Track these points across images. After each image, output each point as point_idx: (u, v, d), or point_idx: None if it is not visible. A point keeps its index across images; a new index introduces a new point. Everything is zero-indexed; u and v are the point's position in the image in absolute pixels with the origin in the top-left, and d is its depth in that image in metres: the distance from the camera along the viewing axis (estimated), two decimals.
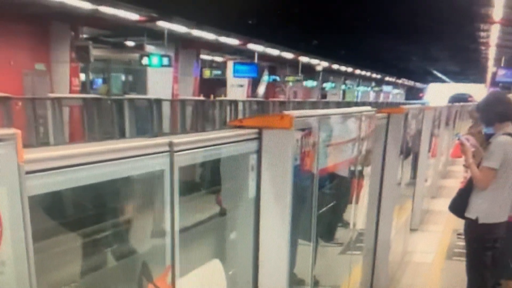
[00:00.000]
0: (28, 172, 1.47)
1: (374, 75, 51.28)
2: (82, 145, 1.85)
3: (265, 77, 34.12)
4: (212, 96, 23.73)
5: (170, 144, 2.11)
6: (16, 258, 1.42)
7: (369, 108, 4.51)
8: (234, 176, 2.78)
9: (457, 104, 15.50)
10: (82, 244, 3.17)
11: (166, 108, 18.83)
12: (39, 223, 1.69)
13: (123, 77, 27.71)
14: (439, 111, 9.72)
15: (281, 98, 34.47)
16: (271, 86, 35.17)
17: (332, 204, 4.13)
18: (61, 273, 3.36)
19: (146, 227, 2.23)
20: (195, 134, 2.62)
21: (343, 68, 41.28)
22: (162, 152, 2.09)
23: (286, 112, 2.81)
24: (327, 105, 34.42)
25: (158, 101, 18.33)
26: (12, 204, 1.40)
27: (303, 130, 3.03)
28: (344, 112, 4.18)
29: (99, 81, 25.55)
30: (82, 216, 2.79)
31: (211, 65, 29.82)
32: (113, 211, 2.57)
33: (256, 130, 2.79)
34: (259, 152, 2.82)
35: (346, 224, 4.50)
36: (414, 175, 7.31)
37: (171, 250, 2.19)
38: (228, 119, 21.07)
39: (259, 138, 2.80)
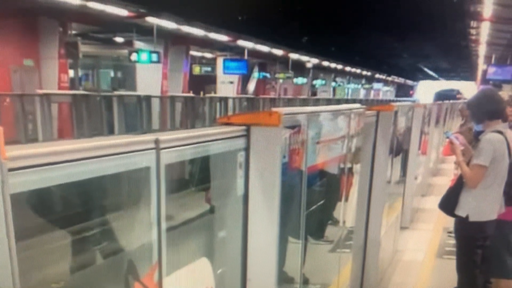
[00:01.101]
0: (10, 170, 1.44)
1: (364, 73, 51.49)
2: (69, 142, 1.82)
3: (255, 74, 34.12)
4: (202, 93, 23.67)
5: (156, 141, 2.09)
6: None
7: (358, 105, 4.50)
8: (222, 174, 2.76)
9: (447, 101, 15.52)
10: (68, 243, 3.14)
11: (155, 105, 18.77)
12: (22, 221, 1.66)
13: (112, 73, 27.61)
14: (429, 109, 9.73)
15: (272, 95, 34.50)
16: (261, 83, 35.20)
17: (321, 201, 4.11)
18: (46, 271, 3.33)
19: (133, 224, 2.20)
20: (182, 131, 2.59)
21: (333, 65, 41.41)
22: (148, 149, 2.06)
23: (274, 109, 2.79)
24: (317, 102, 34.47)
25: (148, 98, 18.27)
26: None
27: (293, 128, 3.01)
28: (333, 109, 4.17)
29: (86, 76, 25.43)
30: (67, 214, 2.76)
31: (201, 61, 29.80)
32: (99, 208, 2.54)
33: (244, 127, 2.77)
34: (247, 149, 2.79)
35: (336, 222, 4.48)
36: (404, 173, 7.31)
37: (158, 248, 2.17)
38: (218, 116, 21.04)
39: (247, 135, 2.78)
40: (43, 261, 3.40)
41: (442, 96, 40.15)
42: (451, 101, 17.38)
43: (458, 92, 50.15)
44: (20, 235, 1.47)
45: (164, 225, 2.17)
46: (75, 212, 2.69)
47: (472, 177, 4.50)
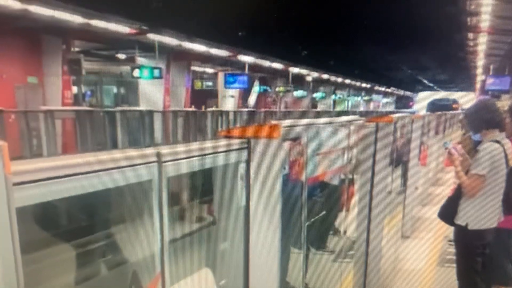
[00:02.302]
0: (15, 184, 1.46)
1: (364, 85, 51.60)
2: (72, 156, 1.86)
3: (256, 88, 34.26)
4: (203, 107, 23.78)
5: (158, 155, 2.13)
6: (4, 270, 1.41)
7: (357, 117, 4.55)
8: (223, 186, 2.80)
9: (446, 112, 15.52)
10: (72, 255, 3.17)
11: (158, 119, 18.88)
12: (27, 234, 1.70)
13: (115, 89, 27.75)
14: (428, 120, 9.77)
15: (272, 108, 34.60)
16: (262, 96, 35.33)
17: (323, 212, 4.14)
18: (51, 284, 3.36)
19: (136, 236, 2.24)
20: (184, 144, 2.63)
21: (333, 78, 41.51)
22: (150, 162, 2.10)
23: (274, 122, 2.83)
24: (317, 114, 34.55)
25: (150, 113, 18.37)
26: None
27: (294, 140, 3.05)
28: (332, 121, 4.21)
29: (91, 93, 25.59)
30: (72, 227, 2.80)
31: (202, 76, 29.93)
32: (103, 221, 2.58)
33: (244, 140, 2.81)
34: (248, 161, 2.84)
35: (337, 232, 4.51)
36: (404, 183, 7.34)
37: (161, 259, 2.20)
38: (219, 129, 21.11)
39: (247, 147, 2.82)
40: (48, 274, 3.43)
41: (436, 106, 38.47)
42: (450, 112, 17.38)
43: (455, 102, 49.37)
44: (26, 248, 1.49)
45: (166, 237, 2.21)
46: (80, 225, 2.73)
47: (470, 186, 4.54)
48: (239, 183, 2.84)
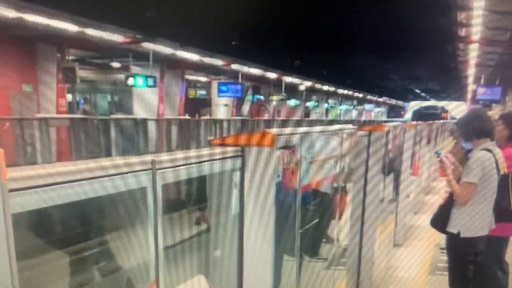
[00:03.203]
0: (11, 190, 1.47)
1: (356, 94, 51.82)
2: (67, 164, 1.88)
3: (250, 97, 34.32)
4: (197, 116, 23.80)
5: (153, 162, 2.15)
6: None
7: (350, 126, 4.58)
8: (217, 193, 2.82)
9: (437, 121, 15.58)
10: (66, 262, 3.17)
11: (152, 127, 18.87)
12: (22, 241, 1.71)
13: (109, 98, 27.72)
14: (420, 129, 9.83)
15: (266, 116, 34.66)
16: (255, 105, 35.39)
17: (316, 220, 4.16)
18: None
19: (130, 243, 2.25)
20: (178, 152, 2.65)
21: (325, 87, 41.73)
22: (144, 170, 2.12)
23: (268, 130, 2.86)
24: (310, 123, 34.61)
25: (144, 121, 18.37)
26: None
27: (287, 148, 3.07)
28: (325, 130, 4.24)
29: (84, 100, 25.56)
30: (66, 234, 2.80)
31: (196, 85, 29.98)
32: (97, 228, 2.59)
33: (238, 148, 2.84)
34: (242, 169, 2.86)
35: (330, 240, 4.53)
36: (396, 192, 7.38)
37: (155, 266, 2.21)
38: (211, 138, 21.10)
39: (241, 155, 2.85)
40: (42, 280, 3.43)
41: (422, 115, 37.47)
42: (440, 121, 17.41)
43: (444, 110, 48.50)
44: (20, 255, 1.49)
45: (161, 244, 2.22)
46: (74, 232, 2.74)
47: (462, 195, 4.58)
48: (233, 190, 2.86)
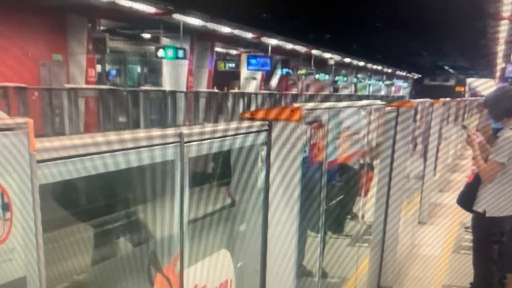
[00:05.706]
0: (39, 161, 1.47)
1: (385, 69, 51.09)
2: (95, 135, 1.88)
3: (278, 70, 34.11)
4: (225, 89, 23.78)
5: (181, 135, 2.14)
6: (25, 246, 1.41)
7: (378, 101, 4.52)
8: (243, 167, 2.81)
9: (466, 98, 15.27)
10: (91, 235, 3.21)
11: (180, 100, 18.92)
12: (49, 212, 1.72)
13: (138, 69, 27.86)
14: (448, 105, 9.67)
15: (294, 91, 34.47)
16: (284, 79, 35.18)
17: (341, 196, 4.15)
18: (71, 262, 3.41)
19: (156, 217, 2.26)
20: (206, 125, 2.65)
21: (355, 62, 41.17)
22: (172, 142, 2.11)
23: (295, 105, 2.83)
24: (339, 98, 34.30)
25: (173, 93, 18.42)
26: (23, 192, 1.39)
27: (315, 123, 3.05)
28: (354, 105, 4.19)
29: (115, 72, 25.75)
30: (92, 206, 2.83)
31: (225, 58, 29.86)
32: (123, 201, 2.61)
33: (266, 122, 2.82)
34: (268, 144, 2.85)
35: (354, 217, 4.52)
36: (423, 169, 7.31)
37: (180, 240, 2.22)
38: (241, 111, 21.10)
39: (268, 130, 2.83)
40: (67, 252, 3.49)
41: (427, 88, 35.47)
42: (470, 98, 17.08)
43: (460, 82, 45.77)
44: (45, 227, 1.48)
45: (186, 217, 2.23)
46: (99, 204, 2.77)
47: (487, 171, 4.51)
48: (259, 165, 2.85)
